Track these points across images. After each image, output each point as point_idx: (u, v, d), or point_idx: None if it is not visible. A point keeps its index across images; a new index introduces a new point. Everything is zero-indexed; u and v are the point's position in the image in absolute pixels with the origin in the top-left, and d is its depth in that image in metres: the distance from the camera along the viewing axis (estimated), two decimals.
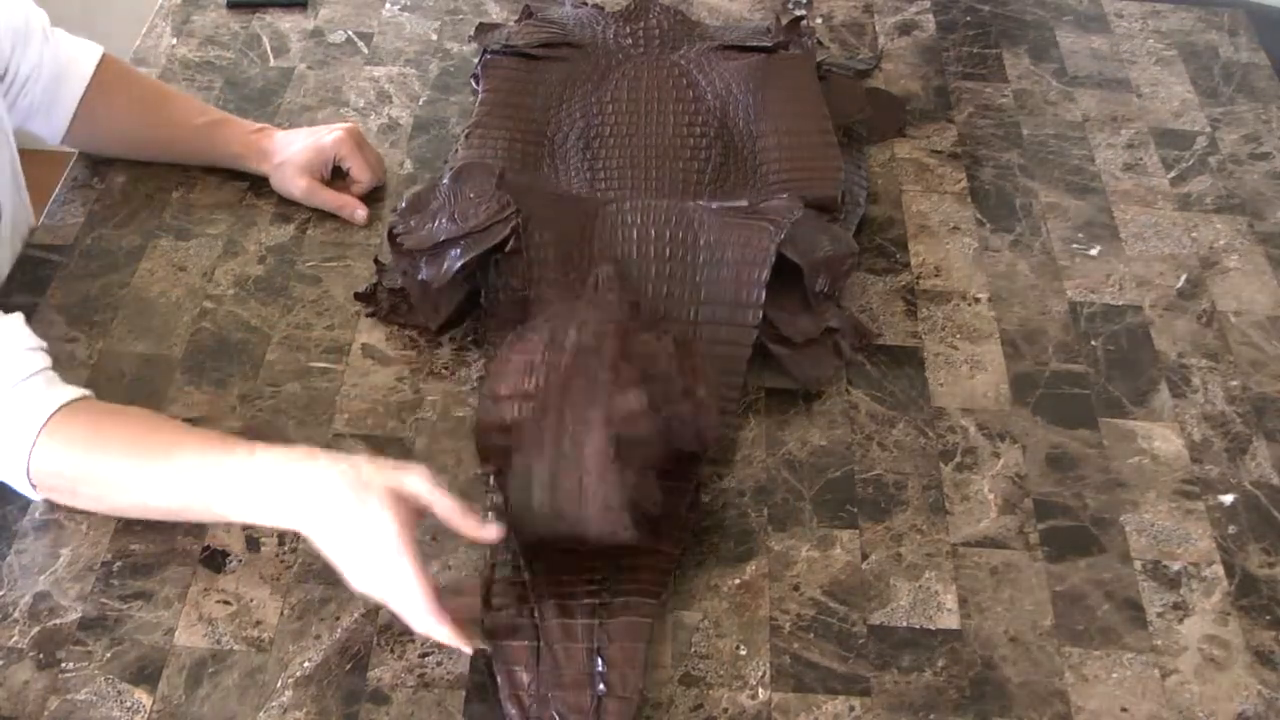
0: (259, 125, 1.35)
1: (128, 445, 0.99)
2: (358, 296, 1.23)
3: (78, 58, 1.30)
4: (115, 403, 1.06)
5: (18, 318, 1.04)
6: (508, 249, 1.16)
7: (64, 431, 0.99)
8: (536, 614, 0.95)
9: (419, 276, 1.18)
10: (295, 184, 1.30)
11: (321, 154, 1.30)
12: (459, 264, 1.15)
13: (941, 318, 1.25)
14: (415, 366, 1.18)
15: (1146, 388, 1.20)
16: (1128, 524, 1.08)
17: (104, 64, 1.31)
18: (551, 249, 1.17)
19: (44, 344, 1.04)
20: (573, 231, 1.18)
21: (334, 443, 1.10)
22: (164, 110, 1.34)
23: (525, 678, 0.92)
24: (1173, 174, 1.43)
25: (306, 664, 0.96)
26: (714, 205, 1.22)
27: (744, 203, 1.22)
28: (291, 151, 1.31)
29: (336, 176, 1.33)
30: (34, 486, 1.00)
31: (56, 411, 0.99)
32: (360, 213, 1.30)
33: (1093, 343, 1.24)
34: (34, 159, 1.33)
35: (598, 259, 1.17)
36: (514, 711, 0.91)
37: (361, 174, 1.32)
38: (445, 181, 1.22)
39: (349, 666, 0.96)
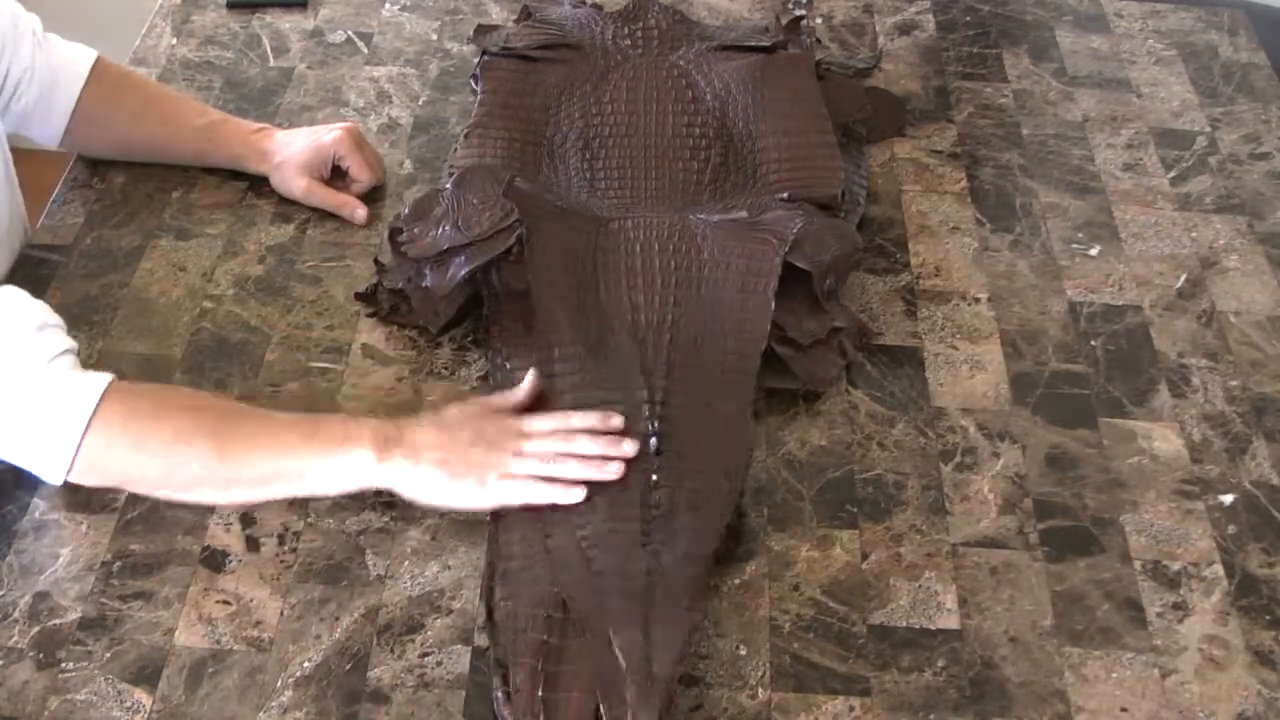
0: (258, 125, 1.35)
1: (199, 446, 1.01)
2: (358, 296, 1.23)
3: (73, 59, 1.30)
4: None
5: (18, 291, 1.05)
6: (510, 257, 1.16)
7: (119, 429, 1.00)
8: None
9: (423, 284, 1.18)
10: (295, 183, 1.30)
11: (320, 153, 1.30)
12: (464, 272, 1.15)
13: (941, 318, 1.25)
14: (415, 366, 1.18)
15: (1146, 388, 1.20)
16: (1127, 524, 1.08)
17: (98, 67, 1.31)
18: (555, 259, 1.16)
19: (56, 318, 1.05)
20: (576, 244, 1.18)
21: None
22: (162, 112, 1.34)
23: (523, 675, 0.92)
24: (1173, 174, 1.43)
25: (306, 664, 0.96)
26: (715, 219, 1.21)
27: (744, 214, 1.21)
28: (291, 151, 1.31)
29: (336, 176, 1.33)
30: (69, 473, 1.01)
31: (98, 409, 0.99)
32: (360, 212, 1.30)
33: (1092, 343, 1.24)
34: (34, 159, 1.33)
35: (600, 271, 1.17)
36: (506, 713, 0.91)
37: (361, 173, 1.32)
38: (448, 186, 1.22)
39: (349, 666, 0.96)
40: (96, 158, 1.36)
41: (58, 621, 0.98)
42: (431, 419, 1.05)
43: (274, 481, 1.02)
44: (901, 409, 1.17)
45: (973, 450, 1.13)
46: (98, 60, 1.31)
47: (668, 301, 1.15)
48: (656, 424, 1.06)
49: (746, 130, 1.35)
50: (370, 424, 1.03)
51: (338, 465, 1.01)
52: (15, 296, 1.04)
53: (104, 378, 1.01)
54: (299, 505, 1.05)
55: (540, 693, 0.90)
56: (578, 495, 1.01)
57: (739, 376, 1.12)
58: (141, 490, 1.04)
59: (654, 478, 1.03)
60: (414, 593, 1.00)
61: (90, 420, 0.99)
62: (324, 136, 1.31)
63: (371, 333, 1.21)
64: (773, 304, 1.14)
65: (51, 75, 1.28)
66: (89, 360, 1.15)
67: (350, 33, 1.56)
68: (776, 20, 1.52)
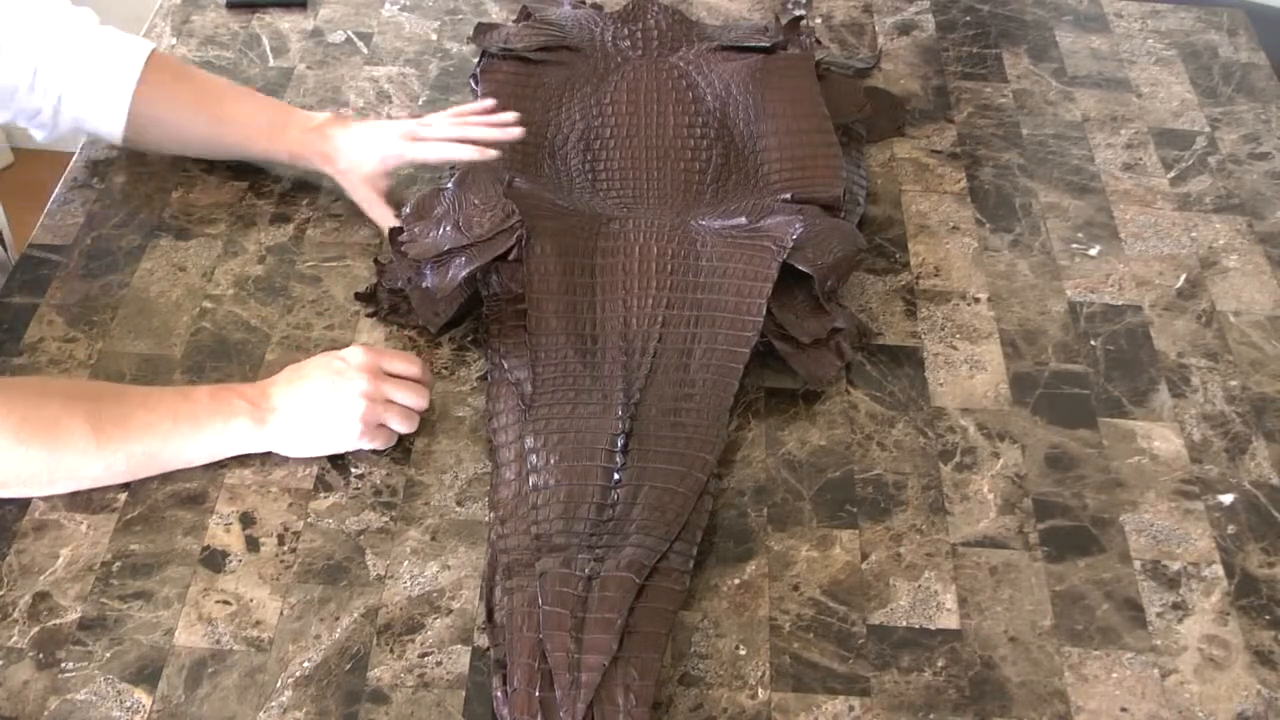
0: (319, 121, 1.31)
1: (78, 435, 1.01)
2: (358, 296, 1.23)
3: (126, 52, 1.27)
4: None
5: None
6: (510, 258, 1.16)
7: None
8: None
9: (423, 284, 1.18)
10: (357, 192, 1.30)
11: (384, 165, 1.28)
12: (464, 273, 1.15)
13: (941, 318, 1.25)
14: None
15: (1146, 388, 1.20)
16: (1127, 524, 1.08)
17: (153, 60, 1.28)
18: (553, 260, 1.16)
19: None
20: (575, 245, 1.18)
21: None
22: (218, 110, 1.31)
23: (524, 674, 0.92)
24: (1172, 174, 1.43)
25: (306, 664, 0.96)
26: (716, 224, 1.21)
27: (743, 219, 1.21)
28: (355, 161, 1.28)
29: None
30: None
31: None
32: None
33: (1092, 343, 1.24)
34: (34, 159, 1.34)
35: (598, 273, 1.17)
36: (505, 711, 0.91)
37: None
38: (450, 186, 1.22)
39: (349, 666, 0.96)
40: (161, 154, 1.35)
41: (58, 621, 0.98)
42: (287, 374, 1.09)
43: (154, 463, 1.05)
44: (901, 409, 1.17)
45: (972, 450, 1.13)
46: (152, 53, 1.29)
47: (660, 304, 1.15)
48: (629, 424, 1.07)
49: (747, 131, 1.35)
50: (236, 390, 1.07)
51: (218, 439, 1.06)
52: None
53: None
54: (299, 505, 1.06)
55: (539, 693, 0.91)
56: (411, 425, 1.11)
57: (723, 377, 1.12)
58: (19, 493, 1.04)
59: (616, 476, 1.03)
60: (414, 593, 1.00)
61: None
62: (388, 152, 1.28)
63: (371, 333, 1.21)
64: (765, 310, 1.14)
65: (105, 71, 1.26)
66: (89, 360, 1.16)
67: (350, 33, 1.56)
68: (776, 20, 1.52)
